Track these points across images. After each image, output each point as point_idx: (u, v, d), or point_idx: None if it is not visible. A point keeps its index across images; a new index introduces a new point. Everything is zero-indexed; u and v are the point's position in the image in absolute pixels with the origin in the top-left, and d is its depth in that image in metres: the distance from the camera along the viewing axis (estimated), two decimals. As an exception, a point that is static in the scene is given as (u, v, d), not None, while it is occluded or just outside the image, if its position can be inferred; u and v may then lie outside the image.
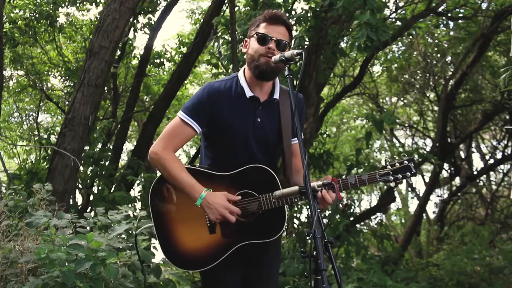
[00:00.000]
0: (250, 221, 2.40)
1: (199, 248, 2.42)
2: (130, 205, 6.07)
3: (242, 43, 5.79)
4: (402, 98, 11.22)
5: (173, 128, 2.44)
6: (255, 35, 2.42)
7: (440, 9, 7.61)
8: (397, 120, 8.40)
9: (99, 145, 7.65)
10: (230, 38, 6.08)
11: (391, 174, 2.30)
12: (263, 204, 2.37)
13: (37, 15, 8.02)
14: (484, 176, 11.02)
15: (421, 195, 10.50)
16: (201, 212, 2.38)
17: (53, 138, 7.44)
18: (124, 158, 9.72)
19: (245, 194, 2.42)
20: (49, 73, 9.80)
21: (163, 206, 2.48)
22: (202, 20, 8.15)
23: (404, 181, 2.40)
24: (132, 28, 8.20)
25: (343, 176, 2.40)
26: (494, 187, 11.07)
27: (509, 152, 9.97)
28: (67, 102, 9.29)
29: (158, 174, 2.49)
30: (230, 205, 2.34)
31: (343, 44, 7.14)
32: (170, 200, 2.47)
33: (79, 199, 7.40)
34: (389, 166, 2.31)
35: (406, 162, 2.30)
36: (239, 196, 2.39)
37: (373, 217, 8.97)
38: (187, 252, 2.43)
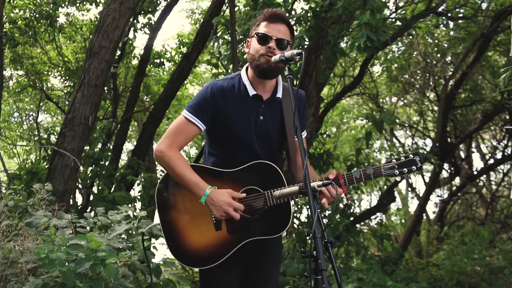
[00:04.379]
0: (256, 217, 2.41)
1: (205, 245, 2.42)
2: (130, 205, 6.08)
3: (242, 43, 5.85)
4: (402, 98, 11.21)
5: (177, 126, 2.46)
6: (255, 35, 2.44)
7: (440, 9, 7.61)
8: (397, 120, 8.40)
9: (99, 145, 7.65)
10: (230, 38, 6.07)
11: (397, 168, 2.29)
12: (268, 200, 2.38)
13: (37, 15, 8.01)
14: (484, 176, 11.00)
15: (421, 195, 10.50)
16: (206, 209, 2.39)
17: (53, 138, 7.44)
18: (124, 158, 9.72)
19: (250, 191, 2.43)
20: (49, 73, 9.80)
21: (168, 205, 2.49)
22: (202, 20, 8.14)
23: (411, 175, 2.36)
24: (132, 28, 8.19)
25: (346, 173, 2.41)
26: (494, 187, 11.06)
27: (509, 152, 9.96)
28: (67, 102, 9.28)
29: (163, 173, 2.49)
30: (234, 202, 2.35)
31: (343, 44, 7.13)
32: (176, 198, 2.49)
33: (79, 199, 7.41)
34: (394, 160, 2.29)
35: (411, 156, 2.29)
36: (243, 194, 2.41)
37: (373, 217, 8.97)
38: (194, 249, 2.44)
